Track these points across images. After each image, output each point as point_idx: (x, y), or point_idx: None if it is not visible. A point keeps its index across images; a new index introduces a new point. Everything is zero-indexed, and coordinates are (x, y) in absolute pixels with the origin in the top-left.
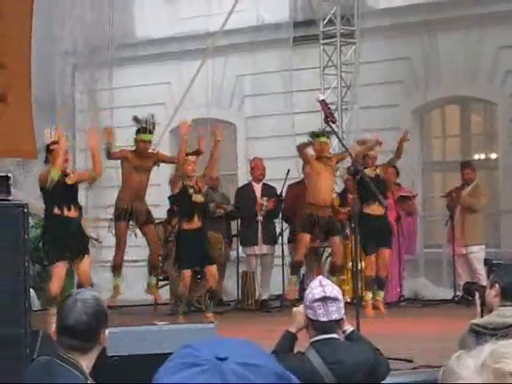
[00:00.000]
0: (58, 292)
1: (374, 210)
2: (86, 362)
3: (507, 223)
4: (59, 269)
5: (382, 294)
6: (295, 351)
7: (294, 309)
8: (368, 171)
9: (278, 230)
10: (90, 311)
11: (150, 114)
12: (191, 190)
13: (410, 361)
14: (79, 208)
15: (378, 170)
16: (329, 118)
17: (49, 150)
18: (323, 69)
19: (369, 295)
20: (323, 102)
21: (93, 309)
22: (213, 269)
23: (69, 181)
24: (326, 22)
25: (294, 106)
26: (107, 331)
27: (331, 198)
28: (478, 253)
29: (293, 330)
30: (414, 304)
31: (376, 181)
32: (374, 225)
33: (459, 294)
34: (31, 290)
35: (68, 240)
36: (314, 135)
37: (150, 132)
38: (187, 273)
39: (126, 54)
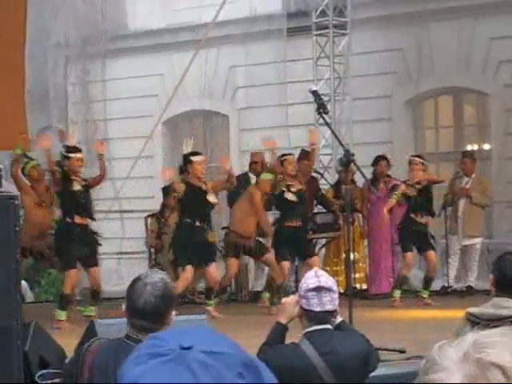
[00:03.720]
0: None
1: (419, 218)
2: None
3: (500, 214)
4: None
5: (427, 292)
6: (288, 342)
7: (284, 299)
8: (408, 189)
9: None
10: (159, 294)
11: None
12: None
13: (403, 351)
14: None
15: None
16: (321, 108)
17: None
18: (316, 60)
19: (397, 292)
20: (315, 93)
21: (161, 291)
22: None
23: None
24: (318, 13)
25: (287, 97)
26: (173, 313)
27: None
28: (478, 244)
29: (283, 320)
30: (408, 295)
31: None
32: (415, 229)
33: (452, 284)
34: (24, 282)
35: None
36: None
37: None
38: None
39: (118, 45)
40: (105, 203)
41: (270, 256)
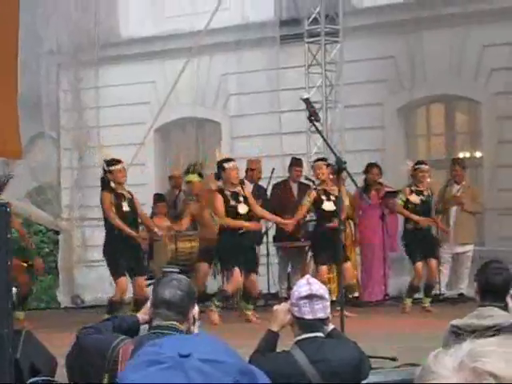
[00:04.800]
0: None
1: (420, 223)
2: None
3: (491, 222)
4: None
5: (428, 300)
6: (280, 350)
7: (275, 307)
8: (414, 198)
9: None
10: (184, 288)
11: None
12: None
13: (394, 359)
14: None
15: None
16: (313, 116)
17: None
18: (308, 67)
19: (408, 301)
20: (307, 101)
21: (185, 287)
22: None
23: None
24: (310, 20)
25: (279, 104)
26: (195, 310)
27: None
28: (470, 251)
29: (275, 328)
30: (399, 302)
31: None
32: (419, 237)
33: (444, 292)
34: (14, 290)
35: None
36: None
37: None
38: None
39: (110, 53)
40: (97, 210)
41: None
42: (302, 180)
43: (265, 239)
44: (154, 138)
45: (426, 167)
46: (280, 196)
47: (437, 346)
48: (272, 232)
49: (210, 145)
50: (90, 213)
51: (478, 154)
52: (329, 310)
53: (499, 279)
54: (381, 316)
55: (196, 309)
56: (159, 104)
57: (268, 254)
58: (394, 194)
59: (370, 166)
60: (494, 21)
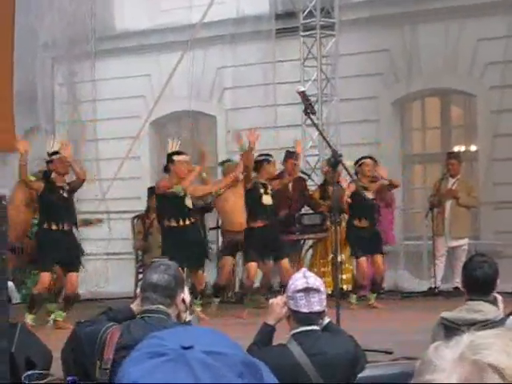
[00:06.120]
0: None
1: (362, 223)
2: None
3: (486, 215)
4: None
5: (374, 296)
6: (275, 343)
7: (271, 300)
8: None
9: None
10: (171, 273)
11: None
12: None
13: (390, 352)
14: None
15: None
16: (308, 109)
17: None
18: (303, 61)
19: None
20: (303, 94)
21: (173, 271)
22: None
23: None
24: (305, 14)
25: (275, 98)
26: (182, 295)
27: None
28: (465, 245)
29: (271, 322)
30: (394, 296)
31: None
32: (363, 233)
33: (439, 285)
34: (10, 283)
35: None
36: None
37: None
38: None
39: (105, 46)
40: (92, 204)
41: None
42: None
43: None
44: (149, 132)
45: (370, 161)
46: (274, 188)
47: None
48: None
49: (206, 138)
50: (85, 206)
51: (473, 148)
52: (325, 303)
53: (480, 273)
54: (376, 309)
55: (187, 295)
56: (154, 97)
57: None
58: (390, 186)
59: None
60: (489, 15)
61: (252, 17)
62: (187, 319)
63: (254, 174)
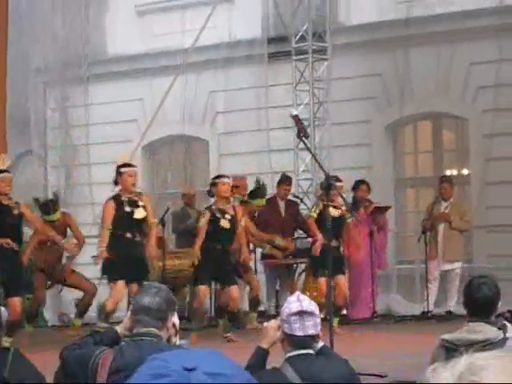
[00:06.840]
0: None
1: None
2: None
3: (479, 239)
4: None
5: (336, 320)
6: (269, 367)
7: (265, 324)
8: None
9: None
10: (163, 295)
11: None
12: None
13: (384, 376)
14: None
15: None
16: (302, 133)
17: None
18: (296, 85)
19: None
20: (297, 118)
21: (164, 294)
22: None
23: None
24: (298, 38)
25: (267, 122)
26: (173, 318)
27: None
28: (458, 269)
29: (264, 345)
30: (387, 320)
31: (338, 220)
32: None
33: (431, 309)
34: (2, 308)
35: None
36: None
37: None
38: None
39: (98, 70)
40: (84, 228)
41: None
42: (290, 197)
43: (252, 256)
44: (141, 156)
45: (340, 184)
46: (266, 213)
47: (426, 362)
48: (259, 250)
49: (198, 162)
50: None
51: (466, 172)
52: (319, 327)
53: (480, 295)
54: (369, 333)
55: (176, 319)
56: (146, 121)
57: (256, 272)
58: (383, 209)
59: (358, 183)
60: (481, 38)
61: (244, 41)
62: (177, 343)
63: (211, 200)
